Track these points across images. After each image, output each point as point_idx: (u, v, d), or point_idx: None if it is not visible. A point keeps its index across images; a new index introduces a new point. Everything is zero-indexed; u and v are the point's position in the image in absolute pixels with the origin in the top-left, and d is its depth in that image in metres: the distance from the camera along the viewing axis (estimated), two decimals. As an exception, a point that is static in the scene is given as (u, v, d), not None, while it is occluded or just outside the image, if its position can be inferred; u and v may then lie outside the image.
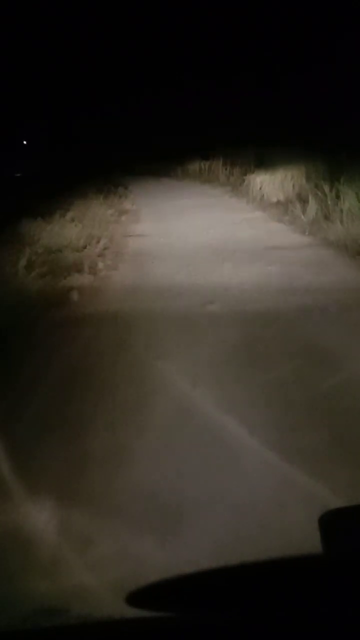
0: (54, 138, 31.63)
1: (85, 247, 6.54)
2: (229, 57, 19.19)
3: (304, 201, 7.74)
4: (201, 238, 6.69)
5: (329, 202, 7.27)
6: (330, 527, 0.97)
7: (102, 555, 1.98)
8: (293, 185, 9.24)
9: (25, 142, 41.15)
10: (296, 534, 1.78)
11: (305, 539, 1.14)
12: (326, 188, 7.57)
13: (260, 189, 10.27)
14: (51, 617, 0.88)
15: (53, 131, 31.37)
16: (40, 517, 2.14)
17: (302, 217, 7.10)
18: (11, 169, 29.02)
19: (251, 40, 18.37)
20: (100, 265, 5.90)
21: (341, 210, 6.80)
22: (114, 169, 23.30)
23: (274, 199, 9.27)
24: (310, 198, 7.78)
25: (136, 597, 0.80)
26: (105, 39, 22.29)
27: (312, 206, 7.47)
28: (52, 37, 22.37)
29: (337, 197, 7.17)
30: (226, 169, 14.89)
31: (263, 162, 11.51)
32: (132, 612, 0.77)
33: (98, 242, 6.74)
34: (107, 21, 21.95)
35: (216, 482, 2.27)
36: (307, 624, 0.68)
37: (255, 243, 6.37)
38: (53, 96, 26.53)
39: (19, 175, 27.17)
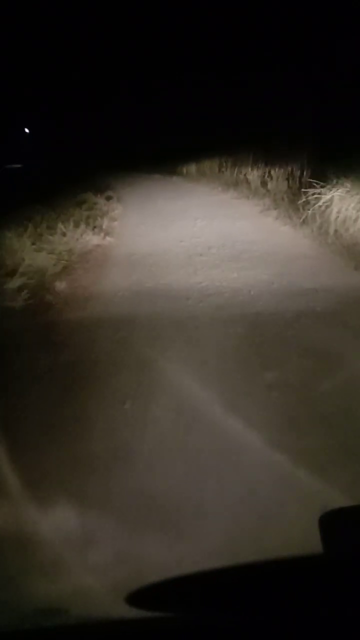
0: (60, 128, 31.04)
1: None
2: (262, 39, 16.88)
3: None
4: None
5: None
6: (330, 527, 0.95)
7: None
8: None
9: (27, 131, 40.84)
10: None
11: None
12: None
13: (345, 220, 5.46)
14: (51, 617, 0.88)
15: (59, 120, 31.01)
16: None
17: None
18: (10, 160, 29.65)
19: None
20: None
21: None
22: (114, 166, 22.16)
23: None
24: None
25: (136, 597, 0.79)
26: (119, 31, 23.16)
27: None
28: (59, 30, 23.58)
29: None
30: (258, 170, 10.96)
31: (330, 166, 6.94)
32: (132, 612, 0.77)
33: None
34: (119, 16, 22.32)
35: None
36: (307, 624, 0.68)
37: None
38: (60, 86, 28.01)
39: (18, 167, 28.08)
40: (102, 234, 6.36)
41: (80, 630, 0.75)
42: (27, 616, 0.87)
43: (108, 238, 6.31)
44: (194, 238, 6.02)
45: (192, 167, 16.61)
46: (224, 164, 13.82)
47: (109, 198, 10.44)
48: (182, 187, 13.75)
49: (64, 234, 5.88)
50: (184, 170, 17.35)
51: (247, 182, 10.71)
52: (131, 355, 3.11)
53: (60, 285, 4.17)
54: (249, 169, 11.23)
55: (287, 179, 8.00)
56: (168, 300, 4.01)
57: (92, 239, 6.04)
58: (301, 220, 5.95)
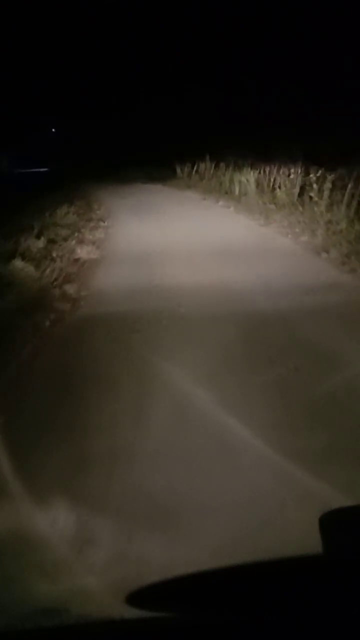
0: (87, 128, 28.42)
1: None
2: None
3: None
4: None
5: None
6: (330, 527, 0.98)
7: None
8: None
9: (54, 130, 38.80)
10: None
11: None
12: None
13: None
14: (51, 617, 0.90)
15: (86, 120, 28.69)
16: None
17: None
18: (34, 163, 29.54)
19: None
20: None
21: None
22: (129, 179, 16.42)
23: None
24: None
25: (136, 597, 0.83)
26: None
27: None
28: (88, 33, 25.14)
29: None
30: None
31: None
32: (132, 612, 0.81)
33: None
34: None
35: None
36: (307, 624, 0.71)
37: None
38: (88, 85, 27.60)
39: (46, 170, 27.60)
40: None
41: (80, 630, 0.79)
42: (27, 616, 0.91)
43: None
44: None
45: (251, 184, 10.63)
46: (307, 185, 8.68)
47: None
48: (239, 245, 7.15)
49: None
50: (237, 188, 11.49)
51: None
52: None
53: None
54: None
55: None
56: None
57: None
58: None
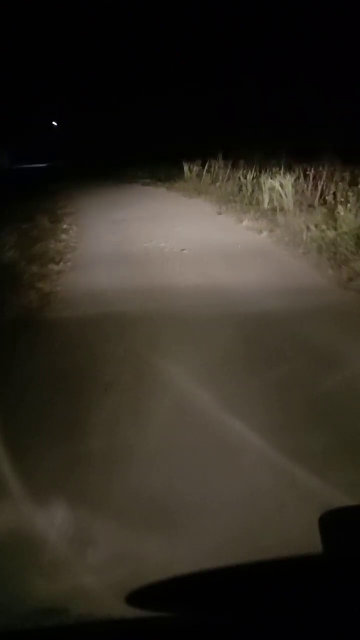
0: (91, 123, 27.78)
1: None
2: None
3: None
4: None
5: None
6: (330, 527, 0.97)
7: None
8: None
9: (56, 124, 39.96)
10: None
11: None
12: None
13: None
14: (51, 617, 0.93)
15: (91, 114, 27.99)
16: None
17: None
18: (34, 159, 30.99)
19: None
20: None
21: None
22: (127, 172, 15.70)
23: None
24: None
25: (136, 597, 0.85)
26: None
27: None
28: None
29: None
30: None
31: None
32: (132, 612, 0.83)
33: None
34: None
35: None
36: (306, 624, 0.74)
37: None
38: (93, 76, 28.48)
39: (45, 166, 28.28)
40: None
41: (80, 630, 0.80)
42: (27, 616, 0.92)
43: None
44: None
45: (288, 194, 7.21)
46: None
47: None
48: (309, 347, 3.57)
49: None
50: (266, 198, 7.67)
51: None
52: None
53: None
54: None
55: None
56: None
57: None
58: None
